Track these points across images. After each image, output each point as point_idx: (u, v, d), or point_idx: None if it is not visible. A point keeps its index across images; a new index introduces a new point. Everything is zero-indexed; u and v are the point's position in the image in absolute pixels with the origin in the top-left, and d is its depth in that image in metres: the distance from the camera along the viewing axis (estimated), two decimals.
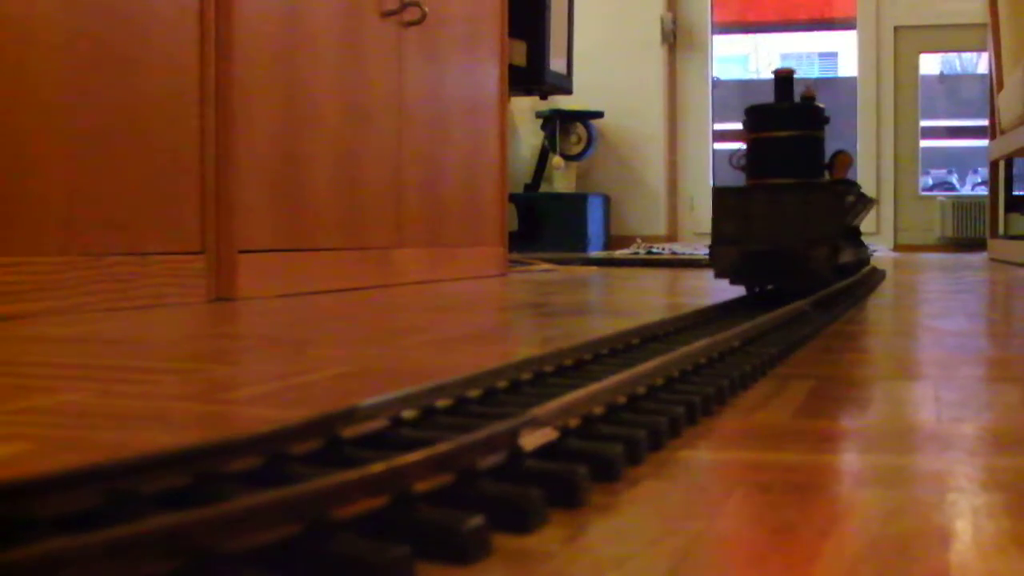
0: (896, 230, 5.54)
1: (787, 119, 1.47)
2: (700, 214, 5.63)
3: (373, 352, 1.04)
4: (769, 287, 1.45)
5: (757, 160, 1.48)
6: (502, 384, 0.68)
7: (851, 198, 1.56)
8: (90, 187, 1.54)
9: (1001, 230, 4.59)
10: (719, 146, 5.67)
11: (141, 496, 0.41)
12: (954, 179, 6.09)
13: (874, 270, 2.40)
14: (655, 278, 2.66)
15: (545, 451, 0.51)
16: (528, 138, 5.37)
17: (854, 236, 1.94)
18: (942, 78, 6.00)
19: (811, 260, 1.36)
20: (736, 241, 1.41)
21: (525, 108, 5.28)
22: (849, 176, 1.76)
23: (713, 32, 5.74)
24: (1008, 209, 4.56)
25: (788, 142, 1.46)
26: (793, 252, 1.37)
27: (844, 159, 1.50)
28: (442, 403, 0.61)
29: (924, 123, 5.56)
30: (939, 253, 5.13)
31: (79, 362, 0.98)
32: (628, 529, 0.43)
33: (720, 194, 1.45)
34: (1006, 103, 3.90)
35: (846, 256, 1.49)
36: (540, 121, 5.19)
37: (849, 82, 5.71)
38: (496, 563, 0.39)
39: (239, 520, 0.35)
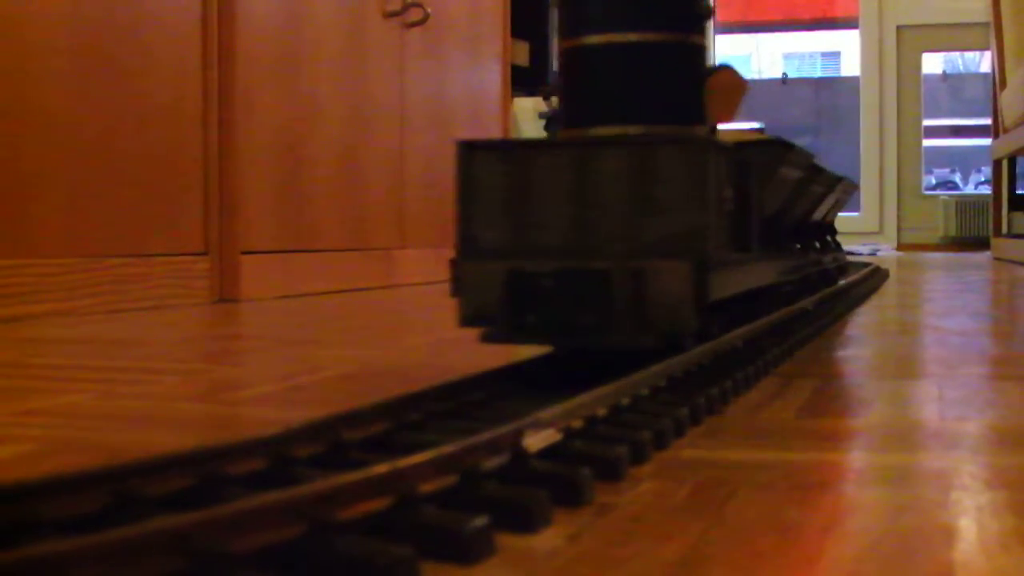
0: (899, 229, 5.54)
1: (629, 11, 0.75)
2: None
3: (376, 352, 1.04)
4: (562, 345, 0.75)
5: (574, 93, 0.78)
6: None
7: (793, 173, 0.99)
8: (92, 189, 1.54)
9: (1004, 229, 4.58)
10: None
11: (146, 498, 0.41)
12: (957, 178, 6.09)
13: (877, 269, 2.40)
14: None
15: (549, 452, 0.51)
16: None
17: (825, 235, 1.53)
18: (945, 77, 6.00)
19: (651, 293, 0.68)
20: (502, 252, 0.73)
21: (528, 109, 5.28)
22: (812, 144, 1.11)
23: (716, 32, 5.74)
24: (1012, 208, 4.56)
25: (629, 55, 0.75)
26: (613, 276, 0.69)
27: (724, 81, 0.78)
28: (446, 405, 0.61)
29: (927, 122, 5.56)
30: (942, 252, 5.13)
31: (81, 363, 0.98)
32: (631, 529, 0.43)
33: (472, 156, 0.75)
34: (1009, 102, 3.90)
35: (745, 278, 0.82)
36: (543, 122, 5.19)
37: (852, 81, 5.70)
38: (500, 563, 0.39)
39: (244, 521, 0.35)
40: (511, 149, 0.74)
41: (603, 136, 0.75)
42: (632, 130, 0.75)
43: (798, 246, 1.25)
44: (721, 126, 0.82)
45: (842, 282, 1.68)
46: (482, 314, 0.72)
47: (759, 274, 0.89)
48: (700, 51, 0.78)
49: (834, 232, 1.62)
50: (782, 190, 1.00)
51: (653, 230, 0.70)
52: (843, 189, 1.47)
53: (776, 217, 1.03)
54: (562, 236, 0.72)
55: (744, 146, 0.87)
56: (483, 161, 0.74)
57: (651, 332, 0.68)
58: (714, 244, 0.71)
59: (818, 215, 1.42)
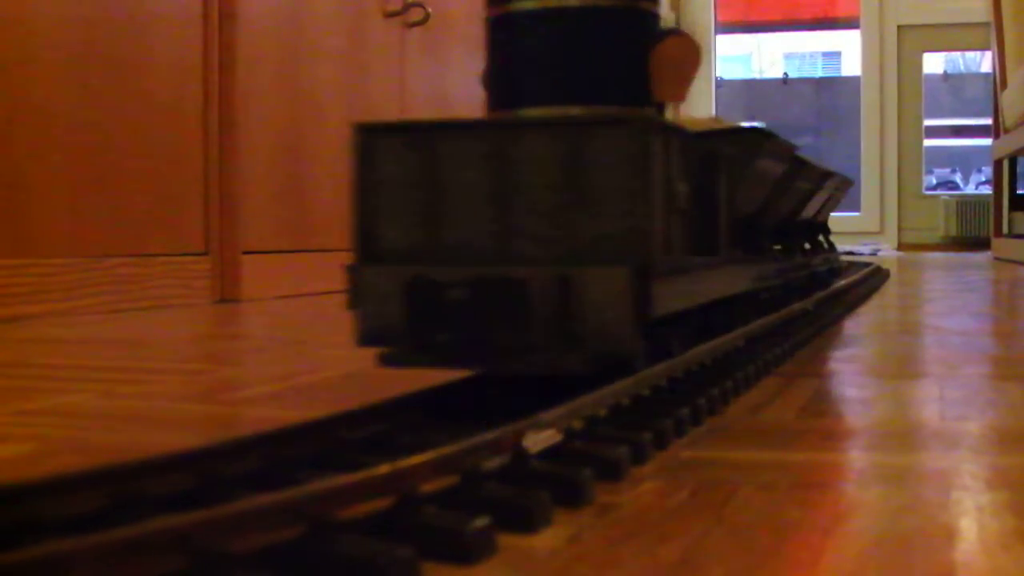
0: (900, 229, 5.54)
1: None
2: None
3: (376, 352, 1.04)
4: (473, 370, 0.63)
5: (501, 68, 0.67)
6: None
7: (771, 166, 0.90)
8: (92, 189, 1.54)
9: (1005, 229, 4.58)
10: None
11: (146, 498, 0.41)
12: (958, 178, 6.09)
13: (877, 270, 2.40)
14: None
15: (550, 452, 0.51)
16: None
17: (816, 236, 1.42)
18: (946, 77, 6.00)
19: (580, 306, 0.57)
20: (407, 256, 0.62)
21: None
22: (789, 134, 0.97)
23: (716, 32, 5.74)
24: (1012, 208, 4.56)
25: (568, 23, 0.64)
26: (534, 285, 0.58)
27: (673, 50, 0.65)
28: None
29: (928, 122, 5.56)
30: (943, 252, 5.13)
31: (82, 363, 0.98)
32: (632, 529, 0.43)
33: (372, 142, 0.63)
34: (1010, 102, 3.90)
35: (707, 286, 0.73)
36: None
37: (853, 81, 5.70)
38: (500, 563, 0.39)
39: (244, 521, 0.35)
40: (418, 132, 0.62)
41: (527, 117, 0.63)
42: (576, 109, 0.63)
43: (781, 248, 1.16)
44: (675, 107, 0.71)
45: (835, 285, 1.55)
46: (384, 331, 0.60)
47: (727, 281, 0.79)
48: (652, 19, 0.66)
49: (827, 232, 1.50)
50: (759, 185, 0.90)
51: (585, 230, 0.59)
52: (835, 186, 1.35)
53: (755, 216, 0.94)
54: (479, 237, 0.60)
55: (711, 135, 0.77)
56: (385, 147, 0.62)
57: (582, 354, 0.57)
58: (661, 247, 0.60)
59: (807, 213, 1.29)
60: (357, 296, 0.61)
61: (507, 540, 0.41)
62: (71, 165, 1.51)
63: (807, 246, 1.36)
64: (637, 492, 0.49)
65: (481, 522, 0.39)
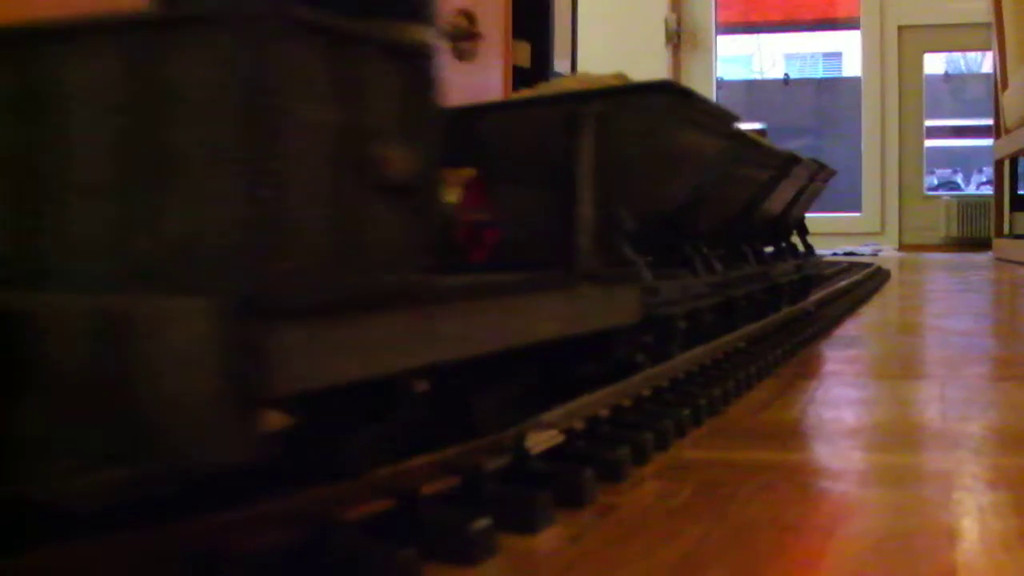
0: (901, 230, 5.53)
1: None
2: None
3: None
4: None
5: None
6: None
7: (696, 140, 0.67)
8: None
9: (1006, 229, 4.58)
10: None
11: (147, 499, 0.41)
12: (959, 178, 6.09)
13: (878, 270, 2.39)
14: None
15: (552, 453, 0.51)
16: None
17: (788, 237, 1.13)
18: (947, 77, 6.00)
19: (129, 371, 0.30)
20: None
21: None
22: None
23: (717, 32, 5.74)
24: (1013, 208, 4.56)
25: None
26: (43, 332, 0.30)
27: None
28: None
29: (929, 123, 5.56)
30: (944, 253, 5.13)
31: None
32: (633, 529, 0.43)
33: None
34: (1011, 102, 3.90)
35: (468, 335, 0.40)
36: None
37: (853, 82, 5.70)
38: (502, 563, 0.39)
39: (249, 522, 0.35)
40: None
41: (72, 21, 0.35)
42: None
43: (725, 254, 0.89)
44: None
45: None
46: None
47: (578, 311, 0.49)
48: None
49: (803, 231, 1.21)
50: (678, 168, 0.66)
51: (158, 225, 0.33)
52: (808, 174, 1.08)
53: (678, 211, 0.71)
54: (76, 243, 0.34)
55: (579, 96, 0.57)
56: None
57: (123, 468, 0.32)
58: (316, 257, 0.34)
59: (769, 208, 1.01)
60: None
61: (509, 540, 0.41)
62: None
63: (768, 249, 1.08)
64: (638, 492, 0.49)
65: (483, 523, 0.39)
